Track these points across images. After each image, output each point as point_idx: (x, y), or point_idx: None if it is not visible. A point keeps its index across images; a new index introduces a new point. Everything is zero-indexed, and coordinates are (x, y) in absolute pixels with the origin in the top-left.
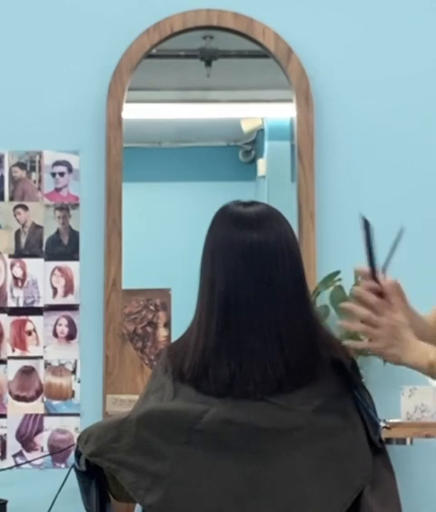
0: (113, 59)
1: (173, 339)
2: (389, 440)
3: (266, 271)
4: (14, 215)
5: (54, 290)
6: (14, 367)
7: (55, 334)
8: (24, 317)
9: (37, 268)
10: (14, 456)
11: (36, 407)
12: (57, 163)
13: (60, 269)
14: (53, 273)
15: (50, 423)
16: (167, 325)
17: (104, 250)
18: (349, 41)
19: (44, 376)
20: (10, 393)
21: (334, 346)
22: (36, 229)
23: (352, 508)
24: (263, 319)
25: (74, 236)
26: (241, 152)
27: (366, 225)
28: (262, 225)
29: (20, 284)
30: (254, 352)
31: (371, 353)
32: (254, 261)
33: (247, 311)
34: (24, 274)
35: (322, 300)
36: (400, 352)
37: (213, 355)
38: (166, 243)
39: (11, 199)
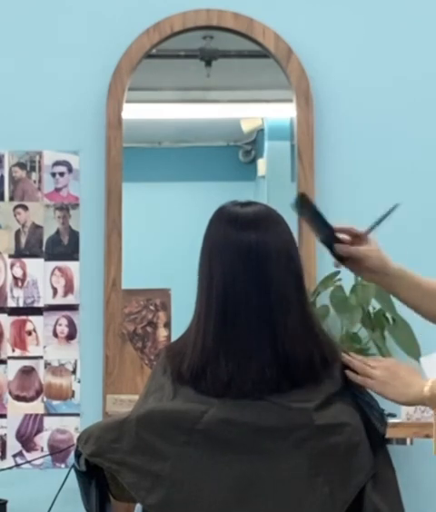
0: (113, 59)
1: (173, 339)
2: (389, 440)
3: (263, 272)
4: (14, 215)
5: (54, 290)
6: (14, 367)
7: (55, 334)
8: (24, 317)
9: (37, 268)
10: (14, 456)
11: (36, 407)
12: (57, 163)
13: (60, 269)
14: (53, 273)
15: (50, 423)
16: (167, 325)
17: (104, 250)
18: (349, 41)
19: (44, 376)
20: (10, 393)
21: (331, 345)
22: (36, 229)
23: (355, 504)
24: (260, 319)
25: (74, 236)
26: (241, 152)
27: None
28: (259, 225)
29: (20, 284)
30: (251, 352)
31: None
32: (251, 262)
33: (244, 312)
34: (24, 274)
35: (322, 300)
36: (394, 393)
37: (211, 355)
38: (166, 243)
39: (11, 199)
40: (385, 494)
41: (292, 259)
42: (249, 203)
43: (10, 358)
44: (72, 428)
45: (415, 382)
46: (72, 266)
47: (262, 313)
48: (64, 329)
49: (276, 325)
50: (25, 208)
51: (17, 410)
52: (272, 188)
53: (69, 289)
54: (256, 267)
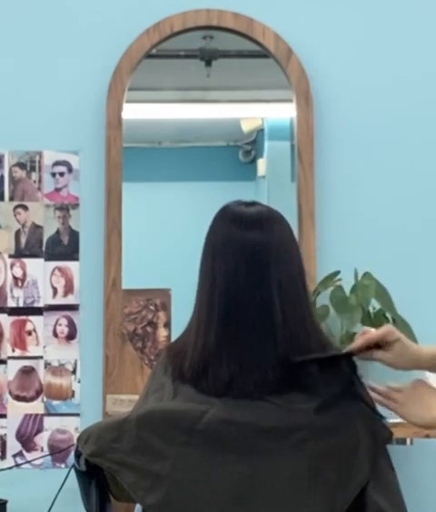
0: (113, 59)
1: (173, 339)
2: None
3: (266, 272)
4: (14, 215)
5: (54, 290)
6: (14, 367)
7: (55, 334)
8: (24, 317)
9: (37, 268)
10: (14, 456)
11: (36, 407)
12: (57, 163)
13: (60, 269)
14: (53, 273)
15: (50, 423)
16: (167, 325)
17: (104, 250)
18: (349, 41)
19: (44, 376)
20: (10, 393)
21: (332, 346)
22: (36, 229)
23: (358, 505)
24: (262, 319)
25: (74, 236)
26: (241, 152)
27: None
28: (263, 225)
29: (20, 284)
30: (253, 352)
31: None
32: (254, 262)
33: (247, 311)
34: (24, 274)
35: (322, 300)
36: (412, 415)
37: (212, 355)
38: (166, 243)
39: (11, 199)
40: (387, 494)
41: (294, 259)
42: (253, 203)
43: (10, 358)
44: (72, 428)
45: (433, 406)
46: (72, 266)
47: (264, 314)
48: (64, 329)
49: (278, 326)
50: (25, 208)
51: (17, 410)
52: (272, 188)
53: (69, 289)
54: (259, 267)
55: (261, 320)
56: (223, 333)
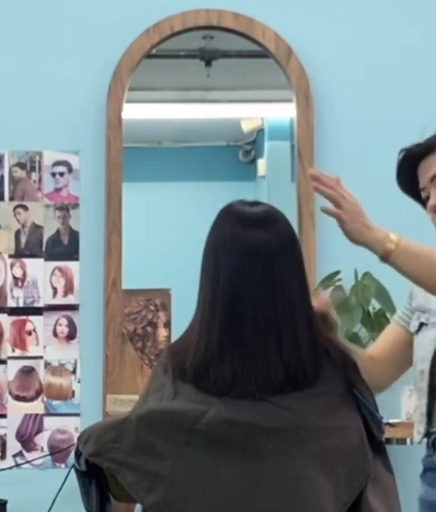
0: (113, 59)
1: (173, 339)
2: (389, 440)
3: (270, 271)
4: (14, 215)
5: (54, 290)
6: (14, 367)
7: (55, 334)
8: (24, 317)
9: (37, 268)
10: (14, 456)
11: (36, 407)
12: (57, 163)
13: (60, 269)
14: (53, 273)
15: (50, 423)
16: (167, 325)
17: (103, 250)
18: (349, 41)
19: (44, 376)
20: (10, 393)
21: (334, 347)
22: (36, 229)
23: (353, 507)
24: (265, 319)
25: (74, 236)
26: (241, 152)
27: None
28: (267, 225)
29: (20, 284)
30: (256, 352)
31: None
32: (258, 261)
33: (250, 311)
34: (24, 274)
35: None
36: (360, 229)
37: (215, 353)
38: (166, 243)
39: (11, 199)
40: (383, 498)
41: (297, 259)
42: (256, 203)
43: (10, 358)
44: (72, 428)
45: (378, 228)
46: (72, 266)
47: (267, 313)
48: (64, 329)
49: (281, 326)
50: (25, 208)
51: (17, 410)
52: (272, 188)
53: (69, 289)
54: (262, 266)
55: (263, 319)
56: (226, 332)
